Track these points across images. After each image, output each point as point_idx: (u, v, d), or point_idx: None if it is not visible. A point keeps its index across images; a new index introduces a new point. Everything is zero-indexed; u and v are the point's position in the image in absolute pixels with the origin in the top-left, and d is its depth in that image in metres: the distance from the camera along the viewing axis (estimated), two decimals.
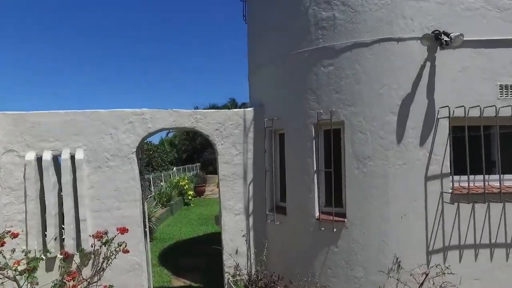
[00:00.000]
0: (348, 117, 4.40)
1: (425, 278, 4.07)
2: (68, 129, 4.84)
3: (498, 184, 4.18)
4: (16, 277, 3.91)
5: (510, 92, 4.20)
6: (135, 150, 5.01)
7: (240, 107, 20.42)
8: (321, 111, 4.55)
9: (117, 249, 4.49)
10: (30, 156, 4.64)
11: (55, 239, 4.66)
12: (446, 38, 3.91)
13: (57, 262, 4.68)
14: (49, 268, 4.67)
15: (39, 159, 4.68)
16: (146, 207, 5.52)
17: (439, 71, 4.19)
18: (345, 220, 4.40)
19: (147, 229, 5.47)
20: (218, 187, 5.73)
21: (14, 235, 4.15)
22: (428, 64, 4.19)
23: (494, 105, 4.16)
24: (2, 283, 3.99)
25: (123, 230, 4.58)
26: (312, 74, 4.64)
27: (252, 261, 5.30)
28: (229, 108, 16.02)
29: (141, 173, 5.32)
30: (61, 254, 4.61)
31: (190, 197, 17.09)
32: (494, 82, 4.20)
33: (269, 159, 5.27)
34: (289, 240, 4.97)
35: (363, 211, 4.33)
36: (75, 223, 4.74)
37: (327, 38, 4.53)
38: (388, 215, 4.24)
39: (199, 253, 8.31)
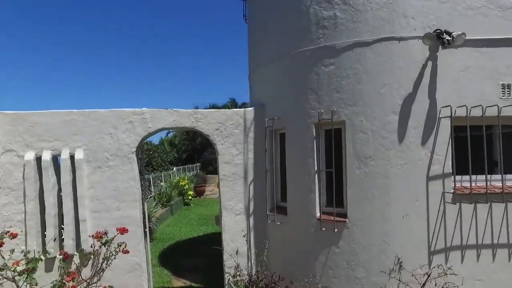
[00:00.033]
0: (349, 117, 4.38)
1: (427, 279, 4.06)
2: (67, 129, 4.82)
3: (500, 184, 4.16)
4: (15, 277, 3.89)
5: None
6: (135, 150, 4.99)
7: (240, 107, 20.46)
8: (322, 111, 4.53)
9: (117, 249, 4.48)
10: (30, 156, 4.62)
11: (55, 239, 4.64)
12: (448, 37, 3.90)
13: (57, 263, 4.66)
14: (48, 269, 4.65)
15: (38, 159, 4.66)
16: (146, 207, 5.50)
17: (440, 71, 4.17)
18: (346, 220, 4.38)
19: (147, 229, 5.45)
20: (218, 187, 5.70)
21: (13, 236, 4.13)
22: (429, 63, 4.17)
23: (496, 105, 4.14)
24: (1, 284, 3.96)
25: (123, 231, 4.56)
26: (313, 73, 4.62)
27: (252, 262, 5.28)
28: (229, 108, 16.03)
29: (141, 173, 5.29)
30: (60, 255, 4.59)
31: (190, 197, 17.08)
32: (496, 82, 4.18)
33: (270, 159, 5.24)
34: (290, 240, 4.94)
35: (365, 211, 4.30)
36: (74, 224, 4.71)
37: (328, 38, 4.51)
38: (390, 215, 4.22)
39: (199, 253, 8.28)
